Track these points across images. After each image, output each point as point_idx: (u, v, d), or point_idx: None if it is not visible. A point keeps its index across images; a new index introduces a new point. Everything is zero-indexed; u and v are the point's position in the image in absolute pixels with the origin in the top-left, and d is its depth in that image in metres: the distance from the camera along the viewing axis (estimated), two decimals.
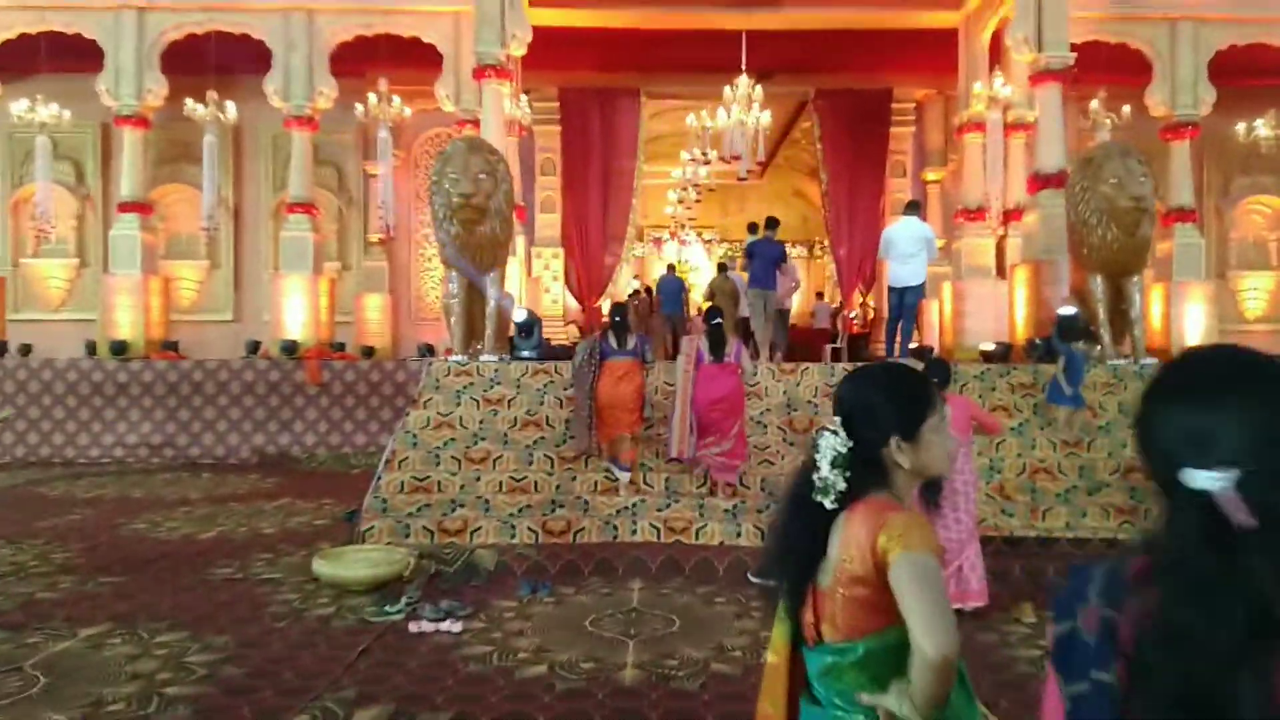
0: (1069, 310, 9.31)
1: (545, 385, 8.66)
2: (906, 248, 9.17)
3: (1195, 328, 12.61)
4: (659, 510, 6.96)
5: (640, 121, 16.67)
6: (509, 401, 8.34)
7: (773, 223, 10.91)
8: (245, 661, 4.55)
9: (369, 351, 14.50)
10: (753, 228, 11.36)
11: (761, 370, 8.84)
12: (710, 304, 8.26)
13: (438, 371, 8.75)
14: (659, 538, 6.70)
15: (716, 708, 4.02)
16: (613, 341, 7.40)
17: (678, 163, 23.29)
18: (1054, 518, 6.97)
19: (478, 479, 7.24)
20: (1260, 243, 16.34)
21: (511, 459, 7.51)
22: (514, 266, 11.08)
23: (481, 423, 8.07)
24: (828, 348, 18.27)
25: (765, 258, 10.34)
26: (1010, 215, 12.78)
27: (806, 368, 8.81)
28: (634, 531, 6.72)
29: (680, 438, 7.05)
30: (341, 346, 13.46)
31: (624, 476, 7.35)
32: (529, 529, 6.68)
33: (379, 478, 7.26)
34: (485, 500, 7.01)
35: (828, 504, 1.68)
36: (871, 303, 17.79)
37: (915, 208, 9.44)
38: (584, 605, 5.57)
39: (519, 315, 9.52)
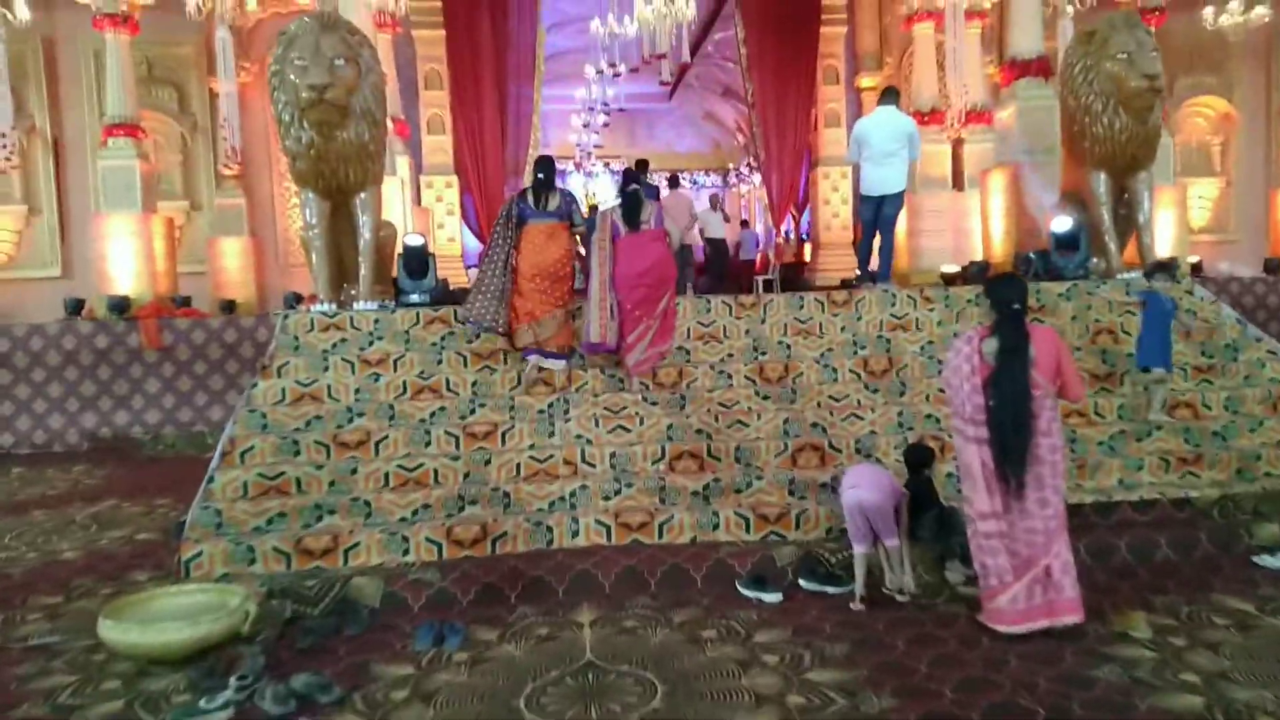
0: (1064, 222, 7.84)
1: (444, 338, 6.68)
2: (883, 145, 7.47)
3: (1165, 237, 11.45)
4: (605, 499, 5.16)
5: (538, 26, 14.43)
6: (395, 362, 6.34)
7: (644, 165, 10.05)
8: None
9: (229, 306, 12.10)
10: (628, 173, 9.29)
11: (715, 309, 7.07)
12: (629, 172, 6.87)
13: (296, 327, 6.65)
14: (609, 538, 4.92)
15: None
16: (531, 201, 6.32)
17: (581, 83, 21.08)
18: (1105, 475, 5.50)
19: (353, 471, 5.28)
20: (1203, 148, 15.41)
21: (401, 440, 5.56)
22: (394, 189, 8.91)
23: (358, 393, 6.06)
24: (758, 280, 16.77)
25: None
26: (969, 117, 11.28)
27: (771, 300, 7.09)
28: (575, 532, 4.91)
29: (601, 323, 6.13)
30: (187, 301, 11.03)
31: (557, 365, 6.21)
32: (428, 540, 4.78)
33: (210, 479, 5.20)
34: (365, 502, 5.07)
35: None
36: (805, 225, 16.23)
37: (893, 95, 7.72)
38: (514, 663, 3.75)
39: (411, 241, 7.39)
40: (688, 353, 6.56)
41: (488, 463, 5.37)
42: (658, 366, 6.29)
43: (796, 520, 4.96)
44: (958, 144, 12.02)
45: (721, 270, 13.61)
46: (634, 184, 6.77)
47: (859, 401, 6.04)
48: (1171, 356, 5.99)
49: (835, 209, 14.83)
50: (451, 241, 14.15)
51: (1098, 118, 7.58)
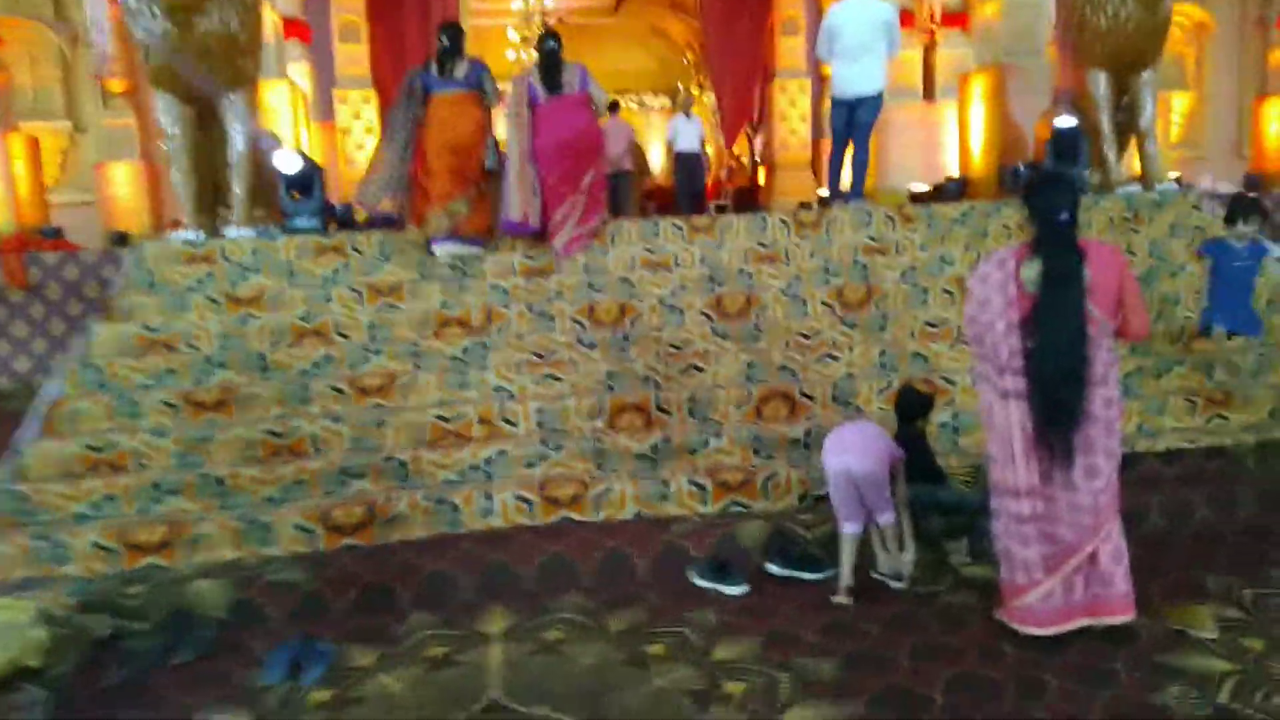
0: (1067, 122, 6.89)
1: (335, 271, 5.54)
2: (858, 37, 6.37)
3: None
4: (528, 467, 4.17)
5: None
6: (272, 301, 5.20)
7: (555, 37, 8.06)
8: None
9: (121, 239, 10.67)
10: (546, 31, 7.98)
11: (664, 232, 6.03)
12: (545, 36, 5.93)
13: (153, 257, 5.46)
14: (532, 516, 3.94)
15: None
16: (435, 71, 5.67)
17: None
18: (1124, 420, 4.64)
19: (207, 439, 4.19)
20: (1176, 60, 14.54)
21: (272, 398, 4.47)
22: (280, 97, 7.58)
23: (224, 339, 4.93)
24: (711, 205, 15.73)
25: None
26: (944, 19, 10.20)
27: (730, 223, 6.06)
28: (488, 510, 3.92)
29: (522, 200, 5.59)
30: (57, 233, 9.61)
31: (474, 251, 5.66)
32: (298, 527, 3.75)
33: (18, 451, 4.08)
34: (219, 480, 3.99)
35: None
36: (759, 148, 15.11)
37: None
38: (390, 704, 2.79)
39: (287, 164, 6.16)
40: (631, 285, 5.52)
41: (381, 424, 4.32)
42: (588, 246, 5.77)
43: (763, 487, 4.03)
44: (929, 49, 10.95)
45: (696, 193, 11.00)
46: (553, 41, 5.89)
47: (834, 340, 5.10)
48: (1258, 318, 5.00)
49: (793, 126, 13.69)
50: None
51: (1101, 7, 6.57)
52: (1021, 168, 7.09)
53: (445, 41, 5.73)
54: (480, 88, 5.74)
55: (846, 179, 6.83)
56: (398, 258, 5.67)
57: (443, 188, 5.57)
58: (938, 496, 3.73)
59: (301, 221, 5.96)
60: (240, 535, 3.70)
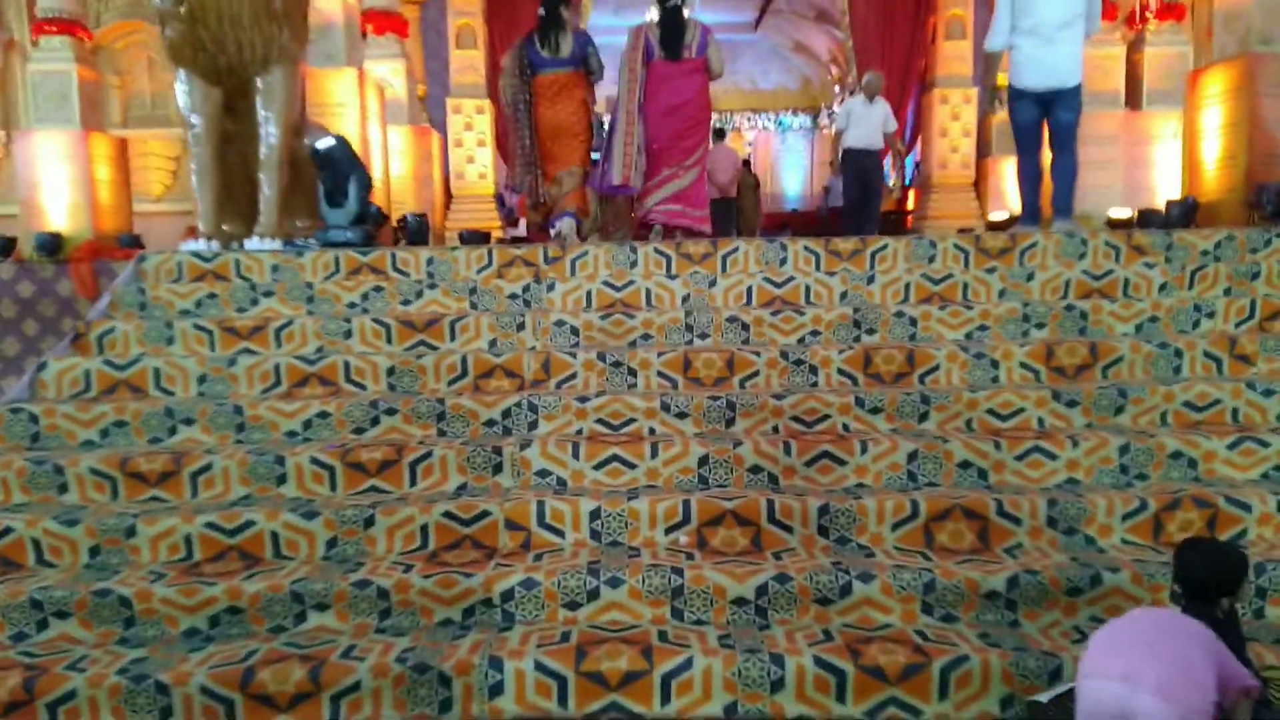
0: None
1: (364, 297, 4.33)
2: (1054, 9, 4.74)
3: None
4: (569, 607, 2.74)
5: None
6: (279, 333, 4.03)
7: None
8: None
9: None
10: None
11: (794, 257, 4.55)
12: None
13: (153, 272, 4.42)
14: (562, 702, 2.51)
15: None
16: (538, 47, 5.45)
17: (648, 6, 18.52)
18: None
19: (131, 533, 2.99)
20: None
21: (238, 473, 3.23)
22: (348, 89, 6.53)
23: (204, 383, 3.77)
24: None
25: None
26: (1144, 13, 8.25)
27: (884, 247, 4.51)
28: (495, 687, 2.52)
29: (624, 161, 5.40)
30: (134, 241, 8.99)
31: (565, 225, 5.34)
32: (205, 691, 2.46)
33: None
34: (124, 600, 2.76)
35: None
36: (909, 169, 13.32)
37: None
38: None
39: (320, 143, 4.96)
40: (744, 327, 4.04)
41: (369, 525, 3.00)
42: (683, 227, 5.45)
43: (941, 679, 2.45)
44: (1133, 48, 8.96)
45: (870, 208, 8.09)
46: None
47: (1043, 424, 3.46)
48: None
49: (954, 141, 11.86)
50: (483, 179, 11.89)
51: None
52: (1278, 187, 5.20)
53: (545, 11, 5.43)
54: (585, 64, 5.50)
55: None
56: (449, 282, 4.42)
57: (550, 167, 5.54)
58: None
59: (336, 232, 4.81)
60: (125, 703, 2.44)
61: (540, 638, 2.58)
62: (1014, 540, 2.96)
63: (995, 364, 3.75)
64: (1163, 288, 4.28)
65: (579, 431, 3.44)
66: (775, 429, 3.42)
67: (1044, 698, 2.28)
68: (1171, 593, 2.61)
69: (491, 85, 11.89)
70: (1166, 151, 8.24)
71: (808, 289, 4.30)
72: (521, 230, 11.33)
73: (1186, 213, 6.36)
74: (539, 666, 2.47)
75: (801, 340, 3.99)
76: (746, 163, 18.40)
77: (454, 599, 2.73)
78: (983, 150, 11.96)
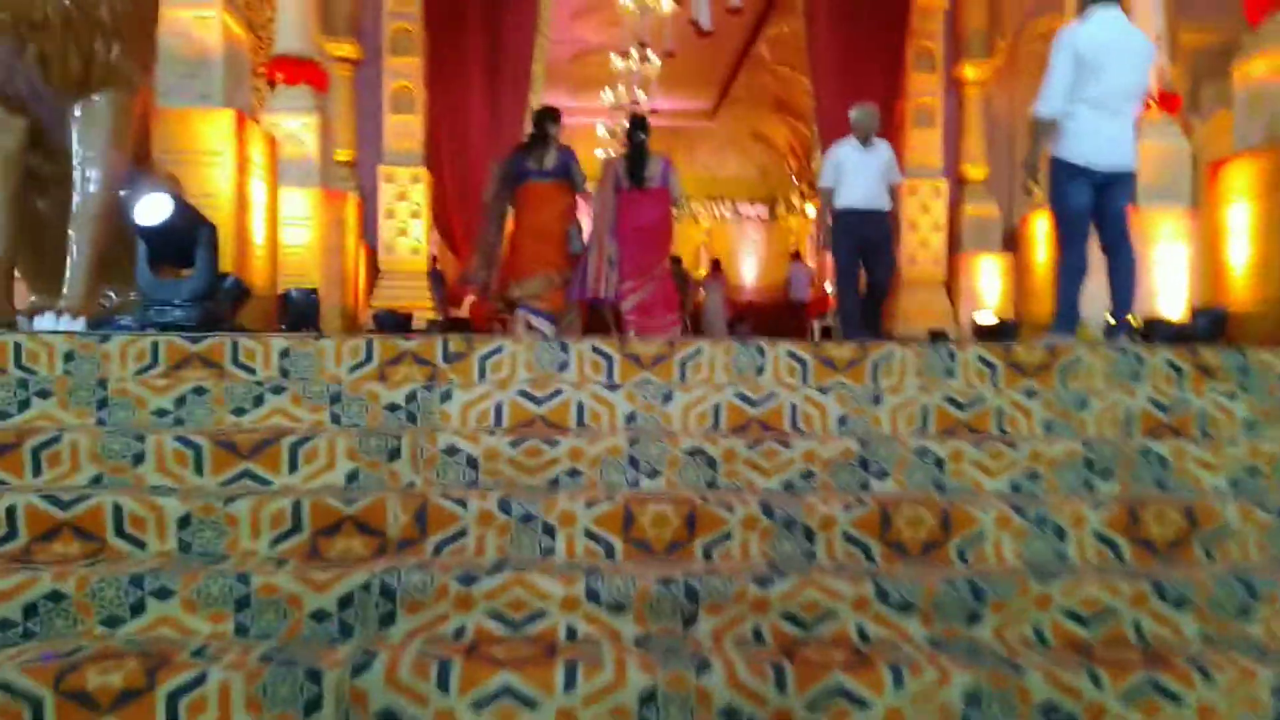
0: None
1: (179, 403, 3.10)
2: (1121, 77, 3.92)
3: None
4: None
5: None
6: (37, 454, 2.78)
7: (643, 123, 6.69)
8: None
9: None
10: (634, 120, 6.61)
11: (773, 365, 3.48)
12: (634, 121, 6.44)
13: None
14: None
15: None
16: (529, 161, 6.16)
17: (603, 87, 18.13)
18: None
19: None
20: None
21: None
22: (224, 134, 5.37)
23: None
24: (814, 324, 13.31)
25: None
26: (1161, 101, 7.64)
27: (889, 356, 3.48)
28: None
29: (597, 273, 5.98)
30: None
31: (546, 328, 5.97)
32: None
33: None
34: None
35: None
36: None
37: None
38: None
39: (148, 213, 3.73)
40: (710, 464, 2.92)
41: None
42: (653, 332, 5.90)
43: None
44: None
45: (877, 294, 6.27)
46: (641, 134, 6.29)
47: (1140, 630, 2.36)
48: None
49: (923, 236, 11.21)
50: (416, 254, 10.85)
51: None
52: None
53: (536, 129, 6.25)
54: (569, 175, 6.17)
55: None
56: (307, 383, 3.23)
57: (527, 266, 6.09)
58: None
59: (173, 308, 3.59)
60: None
61: None
62: None
63: (1061, 532, 2.66)
64: (1251, 426, 3.29)
65: (458, 633, 2.23)
66: (758, 634, 2.26)
67: None
68: None
69: (430, 153, 11.00)
70: (1169, 253, 7.52)
71: (794, 409, 3.21)
72: (464, 311, 10.26)
73: (1215, 323, 5.51)
74: None
75: (790, 486, 2.87)
76: (716, 262, 17.79)
77: None
78: (954, 245, 11.35)
